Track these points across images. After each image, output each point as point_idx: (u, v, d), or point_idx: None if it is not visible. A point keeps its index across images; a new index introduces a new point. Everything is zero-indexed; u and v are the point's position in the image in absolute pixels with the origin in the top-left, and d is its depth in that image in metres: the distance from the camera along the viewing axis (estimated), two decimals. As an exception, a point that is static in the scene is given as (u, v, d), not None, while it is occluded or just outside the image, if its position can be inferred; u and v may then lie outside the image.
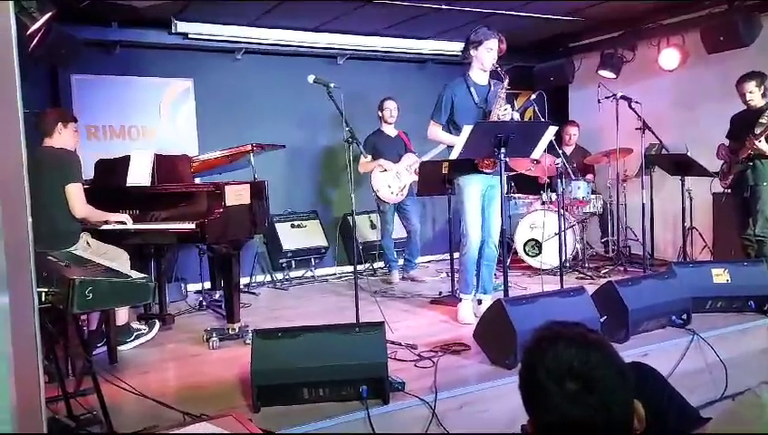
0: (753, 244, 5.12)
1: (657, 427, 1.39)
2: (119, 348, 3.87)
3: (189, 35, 5.93)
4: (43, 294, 2.46)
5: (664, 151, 5.97)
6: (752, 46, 5.61)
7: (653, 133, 5.61)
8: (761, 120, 4.92)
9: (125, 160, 4.47)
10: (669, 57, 6.55)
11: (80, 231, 3.98)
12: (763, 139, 4.87)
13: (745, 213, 5.16)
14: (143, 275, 2.75)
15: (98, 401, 2.72)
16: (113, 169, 4.51)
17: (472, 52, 4.35)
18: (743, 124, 5.11)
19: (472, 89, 4.38)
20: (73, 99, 5.78)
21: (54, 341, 2.91)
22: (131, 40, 5.86)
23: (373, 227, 6.81)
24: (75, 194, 3.90)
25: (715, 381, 3.71)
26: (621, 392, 1.21)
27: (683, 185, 5.51)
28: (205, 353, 3.97)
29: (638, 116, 5.52)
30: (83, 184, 4.01)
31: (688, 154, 5.45)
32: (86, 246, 3.94)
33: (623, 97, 5.67)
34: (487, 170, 4.31)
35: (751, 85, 4.98)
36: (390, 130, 6.15)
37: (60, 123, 4.00)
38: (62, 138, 4.00)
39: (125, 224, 4.15)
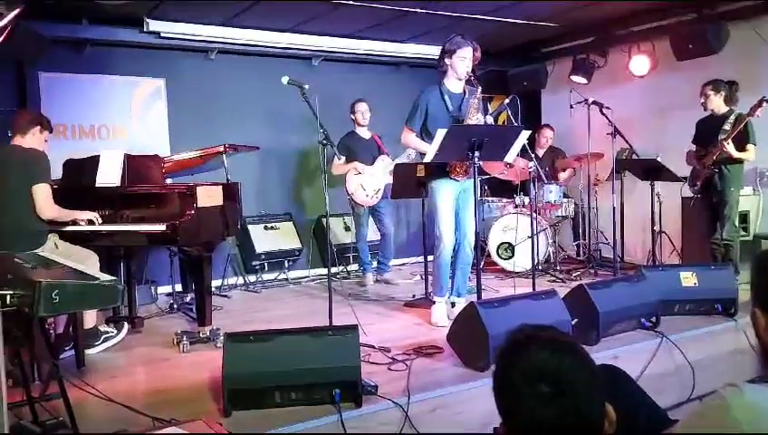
0: (720, 248, 5.22)
1: (626, 428, 1.41)
2: (86, 352, 3.78)
3: (162, 34, 5.85)
4: (8, 296, 2.40)
5: (634, 156, 6.06)
6: (720, 54, 5.72)
7: (624, 138, 5.69)
8: (724, 127, 5.04)
9: (94, 160, 4.39)
10: (640, 63, 6.66)
11: (47, 232, 3.90)
12: (731, 142, 4.98)
13: (713, 218, 5.26)
14: (112, 278, 2.70)
15: (64, 406, 2.67)
16: (82, 169, 4.42)
17: (446, 60, 4.38)
18: (706, 129, 5.25)
19: (446, 97, 4.39)
20: (41, 97, 5.66)
21: (20, 344, 2.84)
22: (102, 38, 5.77)
23: (347, 229, 6.80)
24: (42, 194, 3.82)
25: (683, 383, 3.76)
26: (593, 395, 1.22)
27: (653, 189, 5.59)
28: (175, 357, 3.90)
29: (609, 121, 5.59)
30: (51, 184, 3.93)
31: (658, 159, 5.54)
32: (53, 248, 3.86)
33: (595, 102, 5.75)
34: (458, 178, 4.33)
35: (706, 89, 5.21)
36: (364, 133, 6.15)
37: (38, 127, 3.97)
38: (34, 139, 3.95)
39: (93, 222, 4.06)
